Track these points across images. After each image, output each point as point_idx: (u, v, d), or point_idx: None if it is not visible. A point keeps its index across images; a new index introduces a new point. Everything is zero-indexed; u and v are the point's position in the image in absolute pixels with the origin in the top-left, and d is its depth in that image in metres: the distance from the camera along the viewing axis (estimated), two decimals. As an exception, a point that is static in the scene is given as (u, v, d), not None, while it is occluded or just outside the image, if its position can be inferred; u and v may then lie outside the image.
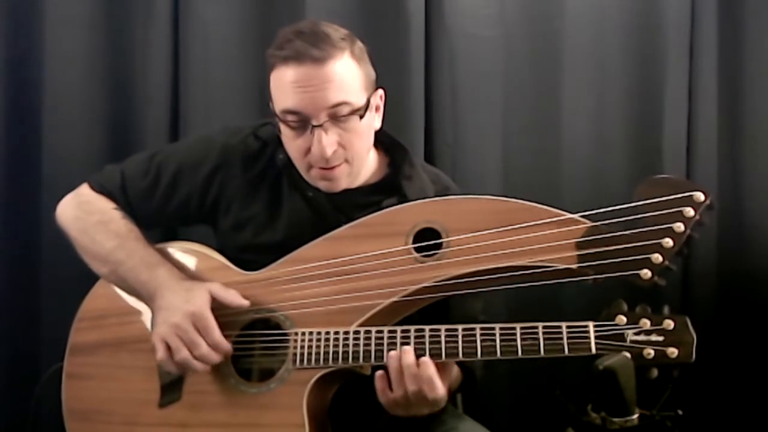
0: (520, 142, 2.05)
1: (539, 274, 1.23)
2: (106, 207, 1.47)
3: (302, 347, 1.30)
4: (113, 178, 1.50)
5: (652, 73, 2.06)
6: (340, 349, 1.28)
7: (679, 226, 1.17)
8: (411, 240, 1.30)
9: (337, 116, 1.31)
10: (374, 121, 1.40)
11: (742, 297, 2.06)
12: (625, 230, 1.19)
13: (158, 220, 1.52)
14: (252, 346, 1.36)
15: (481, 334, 1.22)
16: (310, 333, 1.30)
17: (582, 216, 1.23)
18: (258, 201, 1.44)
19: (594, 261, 1.20)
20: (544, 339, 1.19)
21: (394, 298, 1.29)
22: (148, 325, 1.39)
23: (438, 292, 1.29)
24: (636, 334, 1.17)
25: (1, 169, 1.89)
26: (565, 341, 1.18)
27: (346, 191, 1.40)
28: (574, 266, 1.21)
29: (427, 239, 1.30)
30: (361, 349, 1.27)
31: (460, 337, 1.23)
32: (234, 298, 1.34)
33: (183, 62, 1.91)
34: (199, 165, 1.46)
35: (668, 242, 1.17)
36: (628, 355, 1.14)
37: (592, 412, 1.12)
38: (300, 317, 1.33)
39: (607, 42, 2.06)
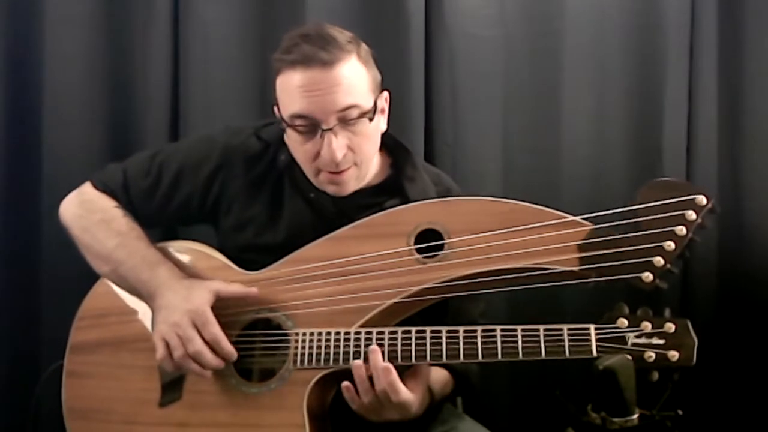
0: (520, 142, 2.05)
1: (541, 276, 1.23)
2: (108, 205, 1.48)
3: (303, 347, 1.30)
4: (115, 176, 1.50)
5: (652, 73, 2.06)
6: (341, 350, 1.28)
7: (681, 230, 1.17)
8: (413, 241, 1.30)
9: (346, 120, 1.31)
10: (381, 123, 1.40)
11: (742, 297, 2.06)
12: (627, 233, 1.19)
13: (159, 219, 1.52)
14: (253, 346, 1.36)
15: (482, 336, 1.22)
16: (311, 333, 1.30)
17: (584, 218, 1.23)
18: (259, 202, 1.44)
19: (596, 263, 1.20)
20: (545, 341, 1.19)
21: (396, 299, 1.29)
22: (149, 324, 1.39)
23: (439, 293, 1.29)
24: (637, 337, 1.17)
25: (1, 169, 1.89)
26: (566, 344, 1.18)
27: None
28: (575, 269, 1.21)
29: (429, 240, 1.30)
30: (362, 350, 1.27)
31: (461, 338, 1.23)
32: (239, 289, 1.34)
33: (183, 62, 1.91)
34: (200, 165, 1.46)
35: (670, 245, 1.17)
36: (628, 356, 1.14)
37: (592, 412, 1.12)
38: (301, 317, 1.33)
39: (607, 42, 2.06)
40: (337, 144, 1.31)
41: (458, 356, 1.23)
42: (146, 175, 1.48)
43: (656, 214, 1.18)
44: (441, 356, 1.24)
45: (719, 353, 1.97)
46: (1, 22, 1.88)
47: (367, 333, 1.27)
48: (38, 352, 1.88)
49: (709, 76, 2.08)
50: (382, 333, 1.27)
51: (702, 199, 1.17)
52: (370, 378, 1.25)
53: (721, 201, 1.19)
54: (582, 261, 1.21)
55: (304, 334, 1.31)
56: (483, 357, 1.21)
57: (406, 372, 1.29)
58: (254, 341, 1.36)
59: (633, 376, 1.11)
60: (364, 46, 1.36)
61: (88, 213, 1.47)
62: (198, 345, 1.29)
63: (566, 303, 1.92)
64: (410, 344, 1.25)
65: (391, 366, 1.24)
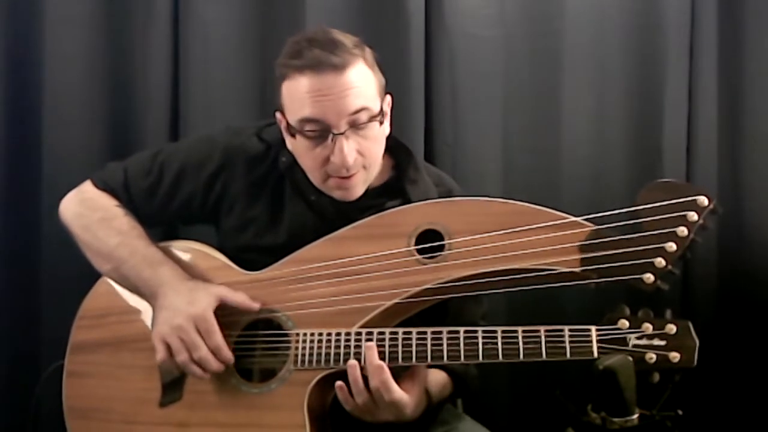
0: (520, 142, 2.04)
1: (541, 276, 1.23)
2: (108, 204, 1.48)
3: (304, 348, 1.30)
4: (116, 175, 1.50)
5: (652, 73, 2.06)
6: (342, 351, 1.28)
7: (683, 231, 1.17)
8: (413, 241, 1.30)
9: (357, 124, 1.31)
10: (386, 127, 1.40)
11: (742, 297, 2.06)
12: (629, 234, 1.19)
13: (160, 218, 1.52)
14: (253, 346, 1.36)
15: (483, 337, 1.22)
16: (312, 334, 1.30)
17: (585, 219, 1.23)
18: (260, 203, 1.44)
19: (597, 265, 1.20)
20: (546, 343, 1.19)
21: (396, 300, 1.28)
22: (149, 324, 1.38)
23: (440, 294, 1.29)
24: (638, 338, 1.17)
25: (1, 169, 1.89)
26: (567, 345, 1.18)
27: (350, 195, 1.40)
28: (576, 270, 1.21)
29: (430, 241, 1.30)
30: (363, 350, 1.26)
31: (461, 339, 1.23)
32: (243, 300, 1.34)
33: (183, 62, 1.91)
34: (202, 165, 1.46)
35: (672, 246, 1.17)
36: (629, 356, 1.14)
37: (592, 412, 1.12)
38: (302, 318, 1.33)
39: (607, 42, 2.06)
40: (349, 148, 1.30)
41: (459, 357, 1.23)
42: (147, 174, 1.48)
43: (658, 215, 1.18)
44: (442, 357, 1.23)
45: (719, 353, 1.97)
46: (1, 22, 1.88)
47: (368, 334, 1.27)
48: (38, 352, 1.88)
49: (709, 76, 2.08)
50: (383, 333, 1.27)
51: (703, 200, 1.17)
52: (366, 378, 1.25)
53: (721, 201, 1.19)
54: (583, 262, 1.21)
55: (305, 334, 1.31)
56: (484, 358, 1.21)
57: (402, 373, 1.29)
58: (255, 341, 1.36)
59: (633, 376, 1.11)
60: (368, 50, 1.36)
61: (89, 211, 1.47)
62: (203, 352, 1.29)
63: (567, 304, 1.92)
64: (411, 345, 1.25)
65: (384, 364, 1.24)
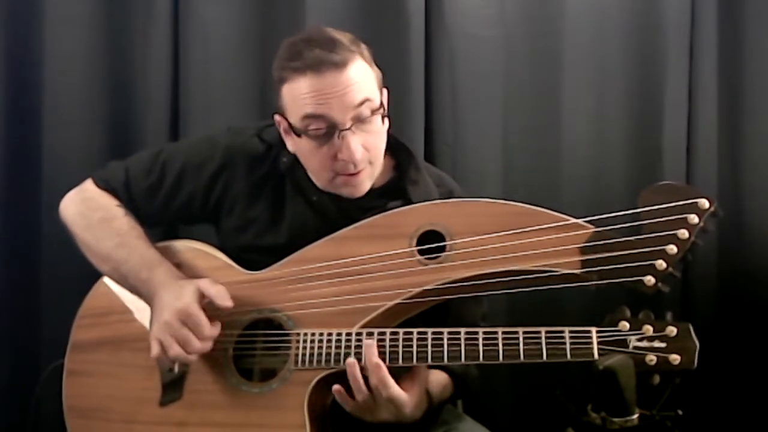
0: (520, 142, 2.04)
1: (542, 278, 1.23)
2: (109, 204, 1.48)
3: (304, 348, 1.30)
4: (117, 175, 1.50)
5: (652, 73, 2.06)
6: (342, 351, 1.28)
7: (684, 233, 1.17)
8: (415, 242, 1.30)
9: (361, 118, 1.31)
10: (386, 122, 1.41)
11: (742, 297, 2.06)
12: (629, 236, 1.19)
13: (161, 218, 1.52)
14: (254, 345, 1.36)
15: (484, 338, 1.22)
16: (313, 334, 1.30)
17: (586, 221, 1.23)
18: (261, 203, 1.44)
19: (597, 266, 1.20)
20: (547, 344, 1.19)
21: (397, 300, 1.29)
22: (149, 324, 1.38)
23: (441, 294, 1.29)
24: (639, 340, 1.17)
25: (1, 169, 1.89)
26: (567, 347, 1.18)
27: (351, 194, 1.40)
28: (577, 271, 1.21)
29: (431, 242, 1.30)
30: (363, 350, 1.27)
31: (462, 340, 1.23)
32: (219, 295, 1.32)
33: (183, 62, 1.91)
34: (203, 165, 1.46)
35: (672, 249, 1.17)
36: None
37: (592, 412, 1.11)
38: (302, 318, 1.33)
39: (607, 42, 2.06)
40: (356, 143, 1.31)
41: (459, 358, 1.23)
42: (148, 173, 1.48)
43: (659, 218, 1.18)
44: (442, 358, 1.23)
45: (719, 353, 1.97)
46: (1, 22, 1.88)
47: (369, 334, 1.27)
48: (38, 352, 1.88)
49: (709, 76, 2.08)
50: (384, 334, 1.27)
51: (705, 203, 1.17)
52: (366, 377, 1.25)
53: (721, 201, 1.19)
54: (584, 264, 1.21)
55: (305, 334, 1.31)
56: (484, 359, 1.21)
57: (403, 374, 1.29)
58: (255, 341, 1.36)
59: (633, 376, 1.11)
60: (363, 46, 1.36)
61: (89, 211, 1.47)
62: (195, 346, 1.29)
63: (567, 305, 1.92)
64: (411, 345, 1.25)
65: (381, 362, 1.24)
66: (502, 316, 1.88)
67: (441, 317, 1.34)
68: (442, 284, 1.27)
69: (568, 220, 1.24)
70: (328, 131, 1.31)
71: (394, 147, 1.48)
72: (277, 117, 1.39)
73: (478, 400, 1.53)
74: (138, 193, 1.48)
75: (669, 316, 1.18)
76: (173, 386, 1.38)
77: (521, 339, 1.20)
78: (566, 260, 1.21)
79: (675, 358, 1.15)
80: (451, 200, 1.38)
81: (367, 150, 1.34)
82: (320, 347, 1.29)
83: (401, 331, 1.26)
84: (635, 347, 1.16)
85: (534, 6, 2.03)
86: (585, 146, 2.06)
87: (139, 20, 1.91)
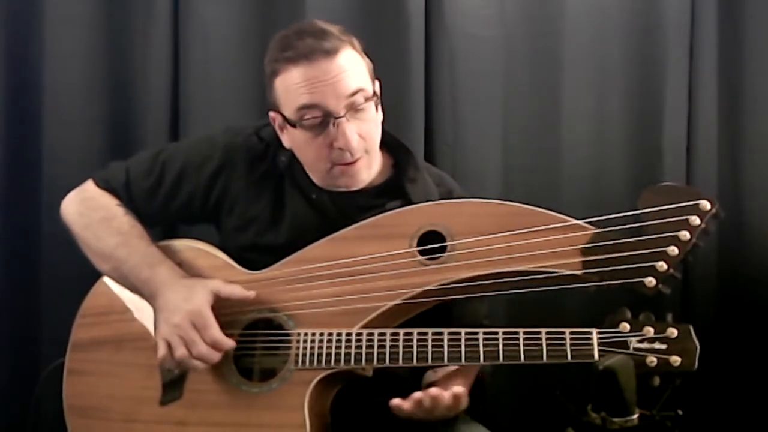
0: (520, 142, 2.04)
1: (543, 279, 1.23)
2: (109, 204, 1.48)
3: (304, 348, 1.31)
4: (118, 175, 1.50)
5: (652, 73, 2.06)
6: (342, 351, 1.28)
7: (685, 235, 1.17)
8: (415, 243, 1.30)
9: (355, 106, 1.32)
10: (380, 112, 1.41)
11: (742, 297, 2.06)
12: (631, 237, 1.19)
13: (161, 218, 1.52)
14: (254, 345, 1.36)
15: (484, 339, 1.22)
16: (313, 334, 1.31)
17: (587, 222, 1.23)
18: (261, 202, 1.44)
19: (598, 268, 1.20)
20: (548, 345, 1.19)
21: (398, 301, 1.29)
22: (150, 323, 1.38)
23: (442, 295, 1.29)
24: (639, 341, 1.17)
25: (1, 169, 1.89)
26: (568, 348, 1.19)
27: (351, 193, 1.40)
28: (578, 272, 1.21)
29: (432, 242, 1.30)
30: (364, 351, 1.27)
31: (462, 341, 1.23)
32: (238, 291, 1.34)
33: (183, 62, 1.91)
34: (203, 164, 1.46)
35: (673, 250, 1.17)
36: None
37: (592, 412, 1.12)
38: (303, 318, 1.33)
39: (607, 42, 2.06)
40: (351, 130, 1.32)
41: (460, 358, 1.23)
42: (149, 174, 1.49)
43: (660, 219, 1.18)
44: (442, 358, 1.24)
45: (719, 353, 1.97)
46: (1, 22, 1.88)
47: (369, 334, 1.28)
48: (38, 351, 1.88)
49: (709, 76, 2.08)
50: (384, 334, 1.27)
51: (706, 205, 1.17)
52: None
53: (721, 201, 1.19)
54: (585, 265, 1.21)
55: (306, 334, 1.31)
56: (485, 360, 1.22)
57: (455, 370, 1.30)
58: (255, 341, 1.36)
59: (633, 376, 1.11)
60: (353, 37, 1.38)
61: (90, 211, 1.48)
62: (201, 348, 1.29)
63: (568, 306, 1.91)
64: (412, 346, 1.25)
65: (428, 395, 1.24)
66: (502, 318, 1.88)
67: (442, 317, 1.34)
68: (443, 285, 1.27)
69: (569, 220, 1.24)
70: (323, 120, 1.32)
71: (393, 145, 1.48)
72: (271, 114, 1.39)
73: (488, 397, 1.52)
74: (138, 194, 1.49)
75: (669, 317, 1.18)
76: (173, 385, 1.38)
77: (522, 340, 1.20)
78: (567, 261, 1.21)
79: (676, 360, 1.15)
80: (452, 200, 1.39)
81: (363, 138, 1.35)
82: (320, 347, 1.30)
83: (401, 331, 1.26)
84: (636, 349, 1.17)
85: (534, 6, 2.03)
86: (585, 146, 2.06)
87: (139, 20, 1.91)
